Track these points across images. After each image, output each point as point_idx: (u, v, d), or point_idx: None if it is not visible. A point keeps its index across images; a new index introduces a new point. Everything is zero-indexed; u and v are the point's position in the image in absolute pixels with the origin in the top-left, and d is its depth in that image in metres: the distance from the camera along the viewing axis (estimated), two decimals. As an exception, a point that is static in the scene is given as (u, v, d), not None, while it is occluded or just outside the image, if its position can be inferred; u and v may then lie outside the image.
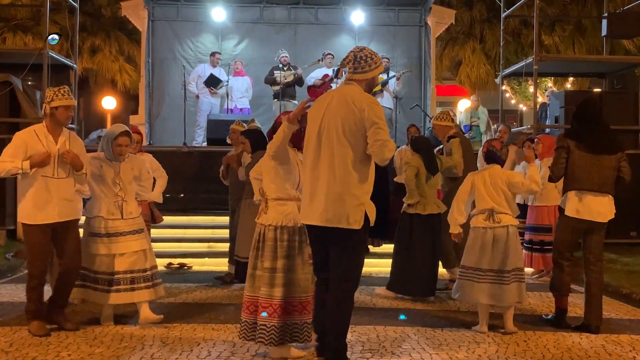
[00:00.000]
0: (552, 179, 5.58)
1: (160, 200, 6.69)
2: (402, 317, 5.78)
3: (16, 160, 4.96)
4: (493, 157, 5.48)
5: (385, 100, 11.46)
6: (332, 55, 11.83)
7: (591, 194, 5.33)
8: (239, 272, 6.92)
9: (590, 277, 5.46)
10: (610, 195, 5.40)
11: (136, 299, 5.32)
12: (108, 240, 5.26)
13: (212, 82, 11.75)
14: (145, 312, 5.36)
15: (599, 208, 5.34)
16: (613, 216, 5.43)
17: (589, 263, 5.47)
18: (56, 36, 9.54)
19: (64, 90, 5.09)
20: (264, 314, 4.34)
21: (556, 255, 5.55)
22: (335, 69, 11.54)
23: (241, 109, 11.90)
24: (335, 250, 4.20)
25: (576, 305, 6.02)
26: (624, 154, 5.46)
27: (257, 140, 6.96)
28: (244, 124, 7.67)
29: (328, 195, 4.08)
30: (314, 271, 4.42)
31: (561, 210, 5.51)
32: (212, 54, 12.16)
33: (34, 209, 5.00)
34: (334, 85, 11.54)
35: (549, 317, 5.69)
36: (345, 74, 4.26)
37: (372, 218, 4.16)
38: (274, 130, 4.84)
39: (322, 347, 4.32)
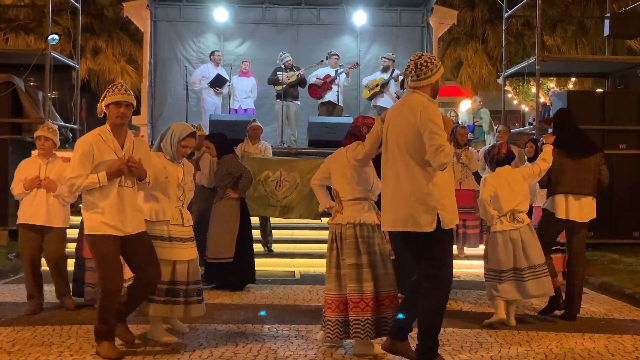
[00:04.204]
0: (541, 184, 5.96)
1: None
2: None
3: (90, 175, 4.37)
4: (511, 158, 5.74)
5: (385, 101, 11.41)
6: (338, 55, 11.81)
7: (573, 196, 5.72)
8: (212, 273, 6.88)
9: (571, 270, 5.82)
10: (591, 197, 5.77)
11: (194, 313, 4.91)
12: (170, 245, 4.78)
13: (218, 83, 11.73)
14: (177, 324, 5.14)
15: (580, 209, 5.73)
16: (594, 216, 5.80)
17: (571, 258, 5.87)
18: (56, 36, 9.52)
19: (115, 87, 4.50)
20: (356, 309, 4.43)
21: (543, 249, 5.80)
22: (343, 70, 11.53)
23: (245, 110, 11.87)
24: (410, 253, 4.31)
25: (583, 307, 6.01)
26: (603, 156, 5.86)
27: (223, 144, 6.96)
28: (203, 128, 7.67)
29: (394, 201, 4.17)
30: None
31: (545, 211, 5.87)
32: (212, 53, 12.14)
33: (105, 219, 4.41)
34: (333, 87, 11.53)
35: (542, 309, 5.93)
36: (409, 83, 4.28)
37: (446, 221, 4.08)
38: (350, 133, 4.81)
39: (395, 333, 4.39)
